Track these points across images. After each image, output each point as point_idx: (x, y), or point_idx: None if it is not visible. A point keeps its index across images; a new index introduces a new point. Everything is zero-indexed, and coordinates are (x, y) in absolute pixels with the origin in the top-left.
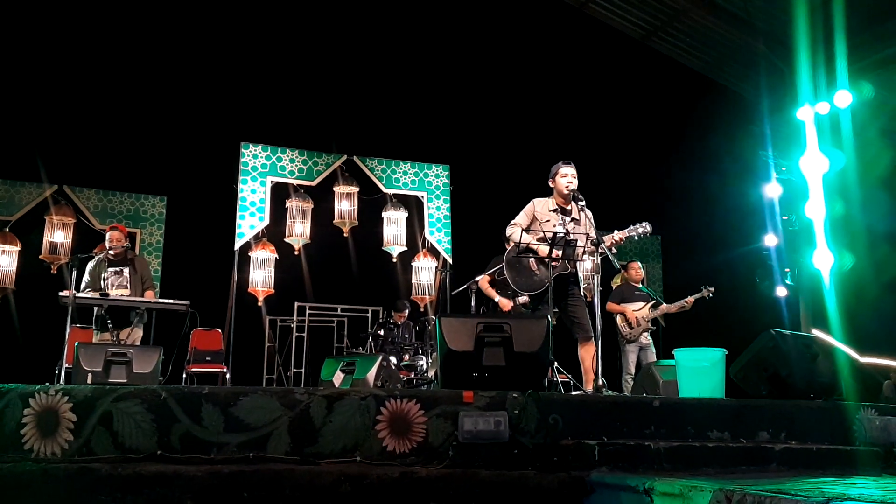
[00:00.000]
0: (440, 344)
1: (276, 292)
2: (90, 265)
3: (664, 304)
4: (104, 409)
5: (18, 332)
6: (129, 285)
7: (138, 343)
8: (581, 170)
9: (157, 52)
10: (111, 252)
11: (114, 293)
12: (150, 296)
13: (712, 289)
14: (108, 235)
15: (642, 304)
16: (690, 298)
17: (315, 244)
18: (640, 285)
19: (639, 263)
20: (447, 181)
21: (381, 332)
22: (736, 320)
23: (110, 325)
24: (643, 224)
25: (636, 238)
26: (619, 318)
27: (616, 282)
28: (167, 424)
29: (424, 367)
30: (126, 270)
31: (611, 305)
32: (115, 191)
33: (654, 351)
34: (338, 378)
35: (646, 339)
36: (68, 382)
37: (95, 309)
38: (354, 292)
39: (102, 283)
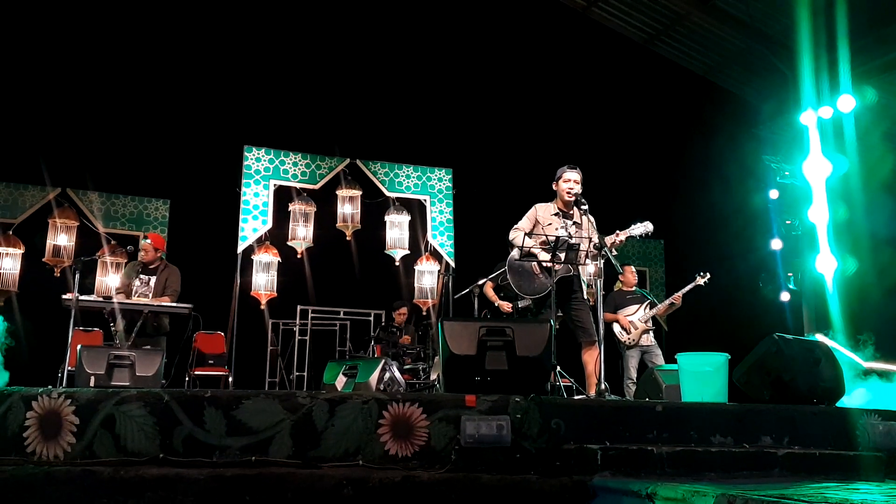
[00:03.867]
0: (443, 348)
1: (279, 296)
2: (126, 268)
3: (658, 305)
4: (107, 412)
5: (21, 334)
6: (150, 294)
7: None
8: (584, 173)
9: (161, 55)
10: (145, 262)
11: (136, 300)
12: (164, 301)
13: (707, 274)
14: (142, 243)
15: (636, 306)
16: (678, 294)
17: (318, 248)
18: (635, 288)
19: (632, 267)
20: (450, 185)
21: (383, 336)
22: (739, 325)
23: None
24: (644, 223)
25: (638, 238)
26: (614, 327)
27: (618, 286)
28: (170, 427)
29: (427, 370)
30: (153, 280)
31: (606, 316)
32: (118, 194)
33: (659, 353)
34: (340, 382)
35: (648, 341)
36: (71, 385)
37: (118, 321)
38: (357, 296)
39: (133, 289)
